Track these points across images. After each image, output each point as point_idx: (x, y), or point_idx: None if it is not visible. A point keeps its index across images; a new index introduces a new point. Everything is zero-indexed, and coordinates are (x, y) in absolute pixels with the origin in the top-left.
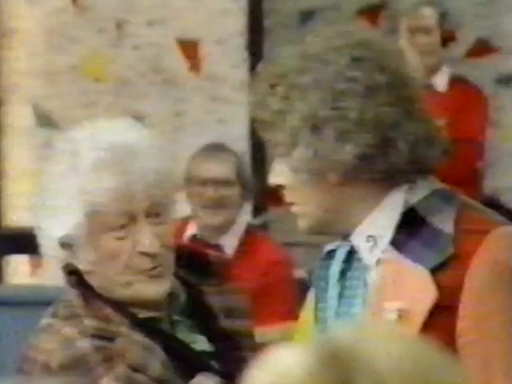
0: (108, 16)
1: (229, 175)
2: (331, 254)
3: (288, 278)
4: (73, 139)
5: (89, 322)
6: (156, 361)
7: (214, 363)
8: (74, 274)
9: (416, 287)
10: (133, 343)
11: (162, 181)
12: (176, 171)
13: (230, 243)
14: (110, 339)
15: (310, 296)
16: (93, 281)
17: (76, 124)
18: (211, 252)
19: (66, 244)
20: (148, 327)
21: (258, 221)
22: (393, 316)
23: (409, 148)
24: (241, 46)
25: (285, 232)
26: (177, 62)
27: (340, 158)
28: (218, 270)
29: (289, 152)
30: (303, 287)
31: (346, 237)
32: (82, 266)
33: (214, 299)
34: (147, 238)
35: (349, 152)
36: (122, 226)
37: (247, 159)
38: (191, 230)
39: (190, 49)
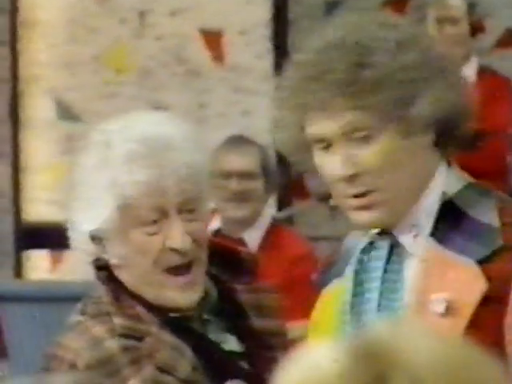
0: (130, 6)
1: (253, 168)
2: (372, 245)
3: (313, 273)
4: (106, 131)
5: (118, 321)
6: (185, 362)
7: (243, 364)
8: (104, 270)
9: (464, 279)
10: (162, 343)
11: (195, 176)
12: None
13: (253, 237)
14: (139, 338)
15: (337, 289)
16: (122, 276)
17: (97, 116)
18: (243, 249)
19: (96, 238)
20: (178, 326)
21: (282, 214)
22: (440, 307)
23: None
24: (265, 37)
25: (310, 226)
26: (200, 52)
27: (443, 111)
28: (249, 268)
29: (401, 113)
30: None
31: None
32: (111, 260)
33: (245, 297)
34: (178, 234)
35: (453, 105)
36: (154, 222)
37: (271, 151)
38: (214, 223)
39: (213, 39)
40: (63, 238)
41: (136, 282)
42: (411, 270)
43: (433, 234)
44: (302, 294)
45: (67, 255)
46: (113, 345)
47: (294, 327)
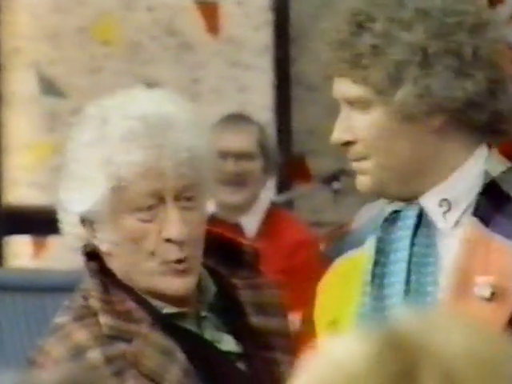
0: None
1: (250, 148)
2: (396, 215)
3: (313, 260)
4: (103, 106)
5: (105, 320)
6: (174, 367)
7: (240, 365)
8: (94, 260)
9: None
10: (151, 346)
11: (196, 160)
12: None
13: (251, 223)
14: (126, 340)
15: (354, 259)
16: (113, 265)
17: (83, 92)
18: (245, 241)
19: (86, 220)
20: (171, 324)
21: (282, 198)
22: (486, 292)
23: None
24: (264, 7)
25: (311, 210)
26: (193, 24)
27: (454, 95)
28: (250, 262)
29: (389, 91)
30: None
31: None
32: (101, 247)
33: (245, 293)
34: (175, 223)
35: (465, 89)
36: (149, 208)
37: (270, 130)
38: (209, 208)
39: (208, 10)
40: (47, 223)
41: (128, 271)
42: (447, 248)
43: (476, 214)
44: (303, 284)
45: (51, 241)
46: (96, 356)
47: (293, 319)
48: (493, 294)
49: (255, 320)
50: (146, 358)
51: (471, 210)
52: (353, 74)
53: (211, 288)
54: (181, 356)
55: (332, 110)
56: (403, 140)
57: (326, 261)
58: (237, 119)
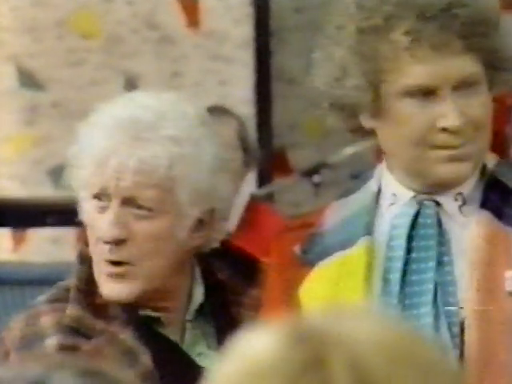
0: None
1: (230, 140)
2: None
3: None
4: None
5: (71, 311)
6: (133, 372)
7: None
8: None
9: None
10: (115, 345)
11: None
12: None
13: (231, 216)
14: (86, 336)
15: (349, 259)
16: None
17: (62, 85)
18: (264, 260)
19: None
20: (144, 328)
21: (262, 191)
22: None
23: None
24: (244, 1)
25: (292, 204)
26: (174, 17)
27: None
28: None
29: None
30: None
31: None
32: None
33: (250, 315)
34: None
35: None
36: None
37: (251, 124)
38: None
39: (188, 3)
40: (26, 216)
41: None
42: (464, 243)
43: (485, 206)
44: None
45: (31, 234)
46: (52, 341)
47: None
48: None
49: None
50: (104, 356)
51: (476, 202)
52: (482, 49)
53: (199, 292)
54: (145, 360)
55: (312, 103)
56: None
57: (303, 264)
58: (217, 112)
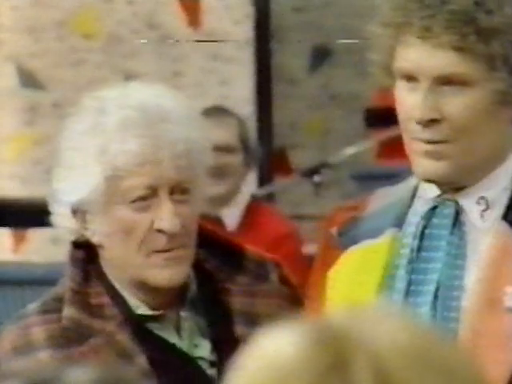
0: None
1: (231, 141)
2: (433, 211)
3: (296, 253)
4: (101, 97)
5: (68, 312)
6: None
7: (212, 372)
8: (81, 249)
9: None
10: (111, 345)
11: (192, 154)
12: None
13: (232, 216)
14: (84, 337)
15: (372, 250)
16: (106, 257)
17: (63, 85)
18: (250, 247)
19: (78, 211)
20: (141, 326)
21: (262, 191)
22: (511, 302)
23: None
24: (245, 1)
25: (292, 204)
26: (175, 17)
27: None
28: (251, 269)
29: (503, 69)
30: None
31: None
32: (93, 238)
33: (238, 301)
34: (168, 214)
35: None
36: (142, 198)
37: (251, 124)
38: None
39: (189, 3)
40: (27, 216)
41: (119, 263)
42: (479, 252)
43: (505, 217)
44: None
45: (31, 234)
46: (45, 355)
47: None
48: None
49: (242, 329)
50: (100, 356)
51: (501, 212)
52: (476, 48)
53: (193, 285)
54: (141, 361)
55: (313, 103)
56: (491, 124)
57: (336, 246)
58: (217, 112)
